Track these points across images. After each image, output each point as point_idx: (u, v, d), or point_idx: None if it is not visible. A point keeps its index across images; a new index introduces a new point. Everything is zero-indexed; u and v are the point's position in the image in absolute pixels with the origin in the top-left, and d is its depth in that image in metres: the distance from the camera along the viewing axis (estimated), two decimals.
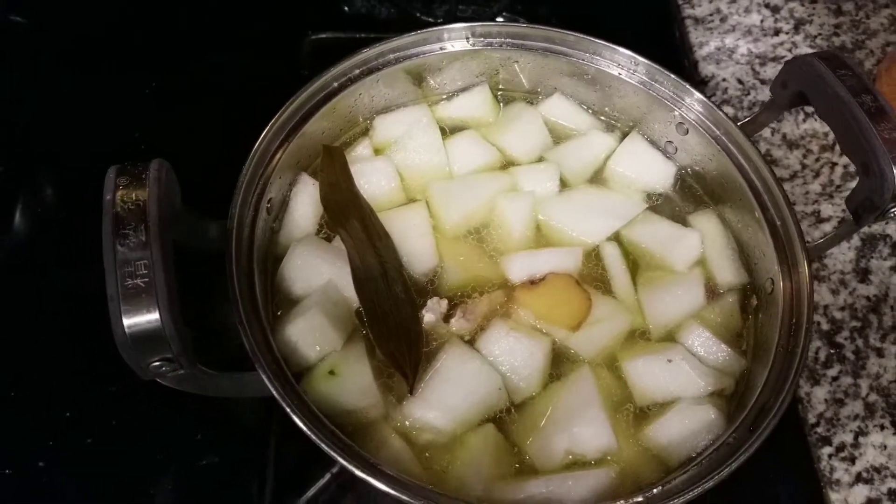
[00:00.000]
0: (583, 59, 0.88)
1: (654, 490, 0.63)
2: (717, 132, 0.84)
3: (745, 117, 0.85)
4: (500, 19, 1.28)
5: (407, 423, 0.71)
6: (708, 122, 0.84)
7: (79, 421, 0.86)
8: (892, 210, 0.72)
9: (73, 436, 0.85)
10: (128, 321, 0.55)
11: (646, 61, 0.86)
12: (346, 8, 1.30)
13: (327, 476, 0.82)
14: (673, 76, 0.85)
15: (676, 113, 0.86)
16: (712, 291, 0.82)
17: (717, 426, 0.71)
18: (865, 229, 1.10)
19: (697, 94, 0.85)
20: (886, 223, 1.09)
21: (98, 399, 0.87)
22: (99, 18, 1.22)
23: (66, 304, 0.92)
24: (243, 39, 1.21)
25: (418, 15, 1.23)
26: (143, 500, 0.83)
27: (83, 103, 1.12)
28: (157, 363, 0.58)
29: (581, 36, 0.87)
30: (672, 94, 0.86)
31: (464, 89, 0.94)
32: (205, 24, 1.24)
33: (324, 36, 1.20)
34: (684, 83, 0.85)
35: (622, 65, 0.87)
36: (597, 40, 0.87)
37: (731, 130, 0.82)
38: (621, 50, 0.86)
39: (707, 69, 1.25)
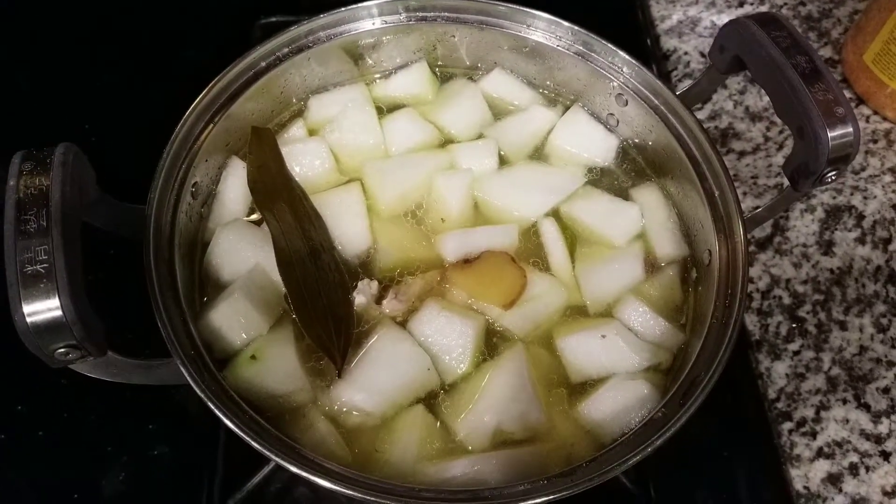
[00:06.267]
0: (519, 31, 0.86)
1: (578, 467, 0.61)
2: (656, 101, 0.81)
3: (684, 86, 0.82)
4: None
5: (335, 406, 0.70)
6: (646, 92, 0.82)
7: (30, 414, 0.86)
8: (830, 175, 0.70)
9: (24, 429, 0.85)
10: (27, 308, 0.54)
11: (580, 30, 0.83)
12: None
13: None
14: (609, 45, 0.82)
15: (615, 83, 0.84)
16: (652, 265, 0.80)
17: (650, 401, 0.70)
18: (829, 200, 1.07)
19: (635, 63, 0.82)
20: (852, 194, 1.07)
21: (50, 392, 0.86)
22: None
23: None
24: (193, 26, 1.19)
25: None
26: (94, 491, 0.82)
27: (35, 98, 1.12)
28: (62, 350, 0.57)
29: (513, 7, 0.84)
30: (609, 63, 0.83)
31: (402, 67, 0.92)
32: (154, 12, 1.22)
33: (274, 20, 1.17)
34: (619, 51, 0.82)
35: (559, 35, 0.85)
36: (529, 10, 0.84)
37: (670, 99, 0.80)
38: (554, 19, 0.83)
39: (669, 43, 1.22)
